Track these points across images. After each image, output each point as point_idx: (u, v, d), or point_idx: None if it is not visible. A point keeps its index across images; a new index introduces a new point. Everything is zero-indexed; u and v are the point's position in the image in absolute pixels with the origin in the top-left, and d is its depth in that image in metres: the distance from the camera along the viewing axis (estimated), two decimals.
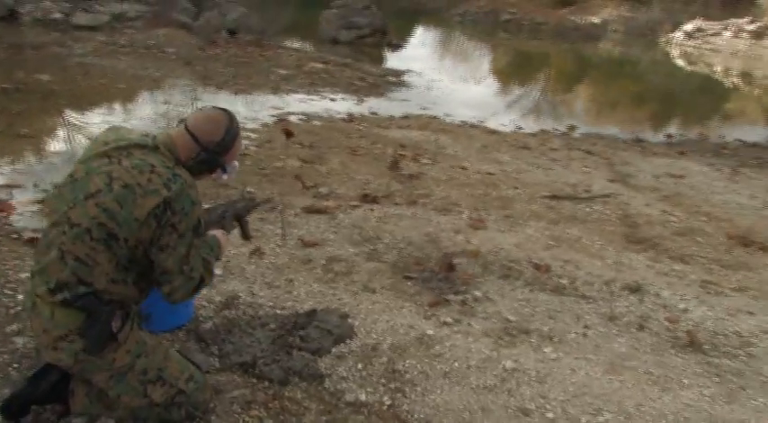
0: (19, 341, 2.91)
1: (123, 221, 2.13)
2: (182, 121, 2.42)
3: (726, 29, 35.63)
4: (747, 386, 3.18)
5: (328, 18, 18.48)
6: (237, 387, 2.73)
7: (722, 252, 5.17)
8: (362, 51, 17.68)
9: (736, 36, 35.04)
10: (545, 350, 3.30)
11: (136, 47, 12.27)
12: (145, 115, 7.69)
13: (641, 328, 3.66)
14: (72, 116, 7.34)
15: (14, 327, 3.01)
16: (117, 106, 8.09)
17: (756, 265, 4.99)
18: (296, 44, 16.96)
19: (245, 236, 2.88)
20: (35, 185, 5.17)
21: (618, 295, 4.03)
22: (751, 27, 34.79)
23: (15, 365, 2.72)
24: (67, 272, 2.15)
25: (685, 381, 3.15)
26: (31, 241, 4.05)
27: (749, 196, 7.13)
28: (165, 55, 11.90)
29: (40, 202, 4.81)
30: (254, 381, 2.79)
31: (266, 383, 2.78)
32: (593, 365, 3.19)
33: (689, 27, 36.96)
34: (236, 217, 2.76)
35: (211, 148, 2.36)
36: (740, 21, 35.42)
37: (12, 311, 3.17)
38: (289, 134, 6.46)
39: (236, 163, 2.55)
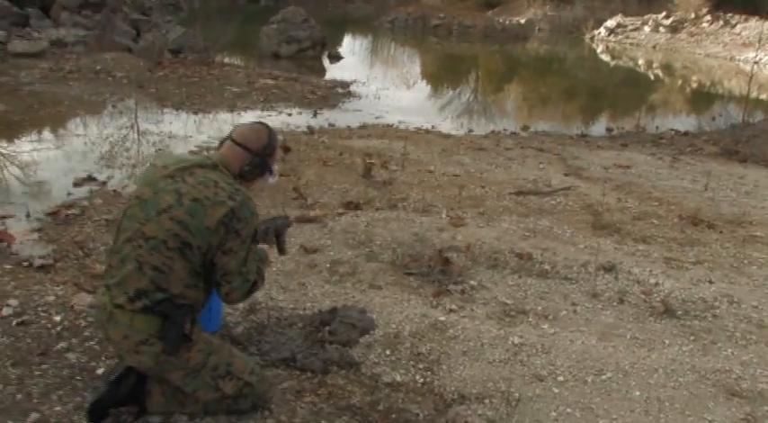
0: (72, 357, 3.14)
1: (196, 230, 2.44)
2: (225, 139, 2.76)
3: (645, 24, 37.29)
4: (717, 340, 3.72)
5: (269, 33, 18.73)
6: (285, 379, 3.04)
7: (677, 232, 5.72)
8: (304, 64, 18.00)
9: (654, 30, 36.71)
10: (543, 326, 3.73)
11: (84, 72, 12.26)
12: (116, 140, 7.83)
13: (621, 301, 4.14)
14: (46, 144, 7.45)
15: (63, 344, 3.23)
16: (83, 131, 8.18)
17: (707, 240, 5.55)
18: (239, 61, 17.14)
19: (282, 251, 3.18)
20: (27, 215, 5.31)
21: (595, 275, 4.50)
22: (667, 21, 36.53)
23: (78, 378, 2.96)
24: (146, 281, 2.44)
25: (666, 341, 3.64)
26: (43, 268, 4.25)
27: (691, 180, 7.78)
28: (115, 79, 11.95)
29: (38, 230, 4.98)
30: (298, 373, 3.11)
31: (309, 374, 3.10)
32: (587, 336, 3.63)
33: (611, 23, 38.51)
34: (276, 233, 3.08)
35: (261, 153, 2.71)
36: (658, 16, 37.14)
37: (54, 332, 3.38)
38: (287, 149, 6.80)
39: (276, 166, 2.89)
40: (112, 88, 11.10)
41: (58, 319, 3.49)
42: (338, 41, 25.35)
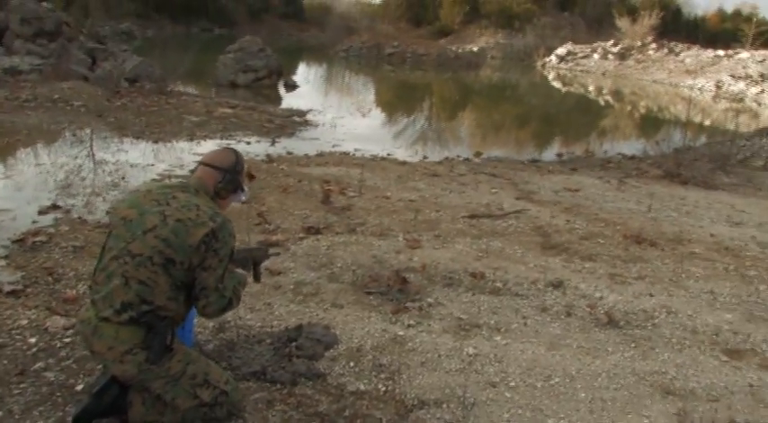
0: (50, 375, 3.28)
1: (179, 248, 2.65)
2: (197, 165, 3.03)
3: (594, 51, 38.59)
4: (655, 346, 4.06)
5: (225, 62, 18.95)
6: (256, 391, 3.24)
7: (621, 250, 6.08)
8: (261, 93, 18.27)
9: (603, 57, 37.99)
10: (496, 338, 3.99)
11: (41, 101, 12.29)
12: (77, 169, 7.92)
13: (568, 314, 4.44)
14: (7, 173, 7.51)
15: (40, 364, 3.37)
16: (45, 160, 8.24)
17: (649, 257, 5.92)
18: (196, 90, 17.30)
19: (257, 279, 3.41)
20: None
21: (544, 291, 4.81)
22: (616, 49, 37.86)
23: (58, 394, 3.11)
24: (131, 294, 2.64)
25: (610, 349, 3.94)
26: (13, 293, 4.36)
27: (636, 202, 8.22)
28: (74, 108, 12.01)
29: (5, 257, 5.07)
30: (268, 385, 3.30)
31: (278, 386, 3.30)
32: (536, 346, 3.91)
33: (561, 51, 39.77)
34: (254, 262, 3.30)
35: (231, 170, 2.99)
36: (606, 44, 38.49)
37: (29, 353, 3.52)
38: (251, 177, 6.99)
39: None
40: (71, 117, 11.16)
41: (33, 340, 3.62)
42: (293, 70, 25.70)
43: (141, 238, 2.67)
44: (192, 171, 3.07)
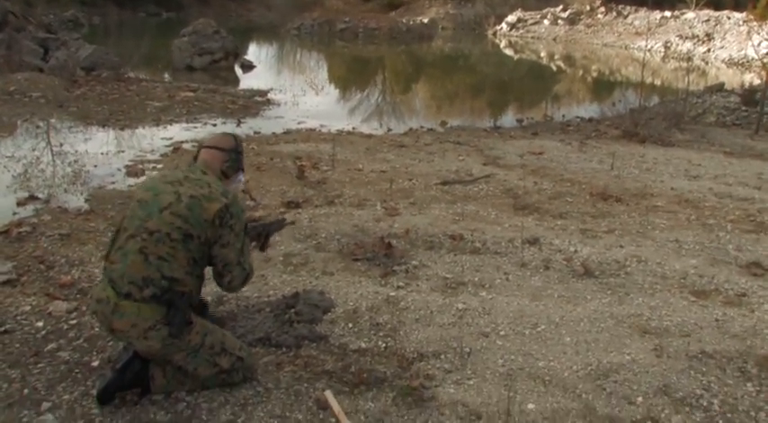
0: (64, 355, 3.42)
1: (195, 222, 2.82)
2: (199, 149, 3.18)
3: (544, 18, 38.95)
4: (630, 292, 4.37)
5: (180, 46, 18.75)
6: (264, 355, 3.42)
7: (589, 207, 6.39)
8: (218, 75, 18.16)
9: (554, 23, 38.40)
10: (482, 294, 4.24)
11: None
12: (46, 159, 7.91)
13: (547, 268, 4.71)
14: None
15: (52, 346, 3.50)
16: (12, 152, 8.19)
17: (616, 212, 6.24)
18: (154, 75, 17.12)
19: (263, 249, 3.56)
20: None
21: (522, 248, 5.07)
22: (565, 14, 38.26)
23: (76, 371, 3.26)
24: (152, 269, 2.80)
25: (588, 296, 4.23)
26: (9, 282, 4.44)
27: (598, 161, 8.56)
28: (32, 99, 11.84)
29: None
30: (274, 349, 3.49)
31: (284, 349, 3.48)
32: (520, 298, 4.17)
33: (511, 18, 40.03)
34: (266, 233, 3.48)
35: (234, 150, 3.20)
36: (555, 9, 38.85)
37: (39, 336, 3.64)
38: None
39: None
40: (31, 109, 11.02)
41: (40, 324, 3.74)
42: (245, 50, 25.47)
43: (158, 216, 2.82)
44: (195, 157, 3.21)
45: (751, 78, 21.87)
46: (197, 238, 2.84)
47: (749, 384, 3.27)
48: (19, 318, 3.85)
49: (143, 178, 6.95)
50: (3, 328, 3.68)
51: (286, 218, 3.77)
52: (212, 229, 2.85)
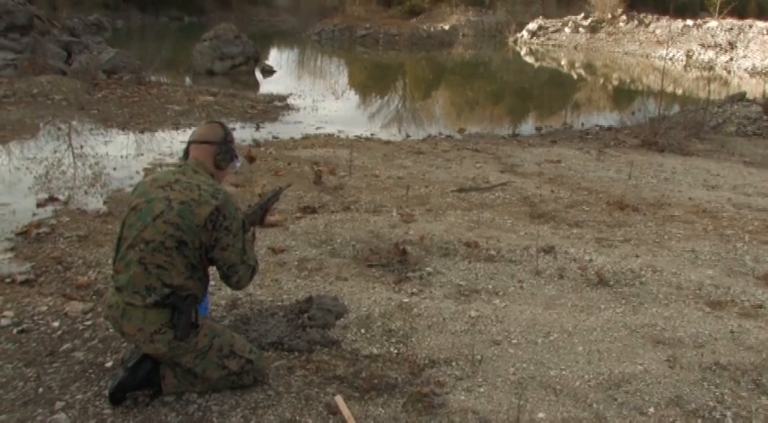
0: (79, 355, 3.46)
1: (187, 229, 2.84)
2: (187, 146, 3.18)
3: (565, 25, 38.82)
4: (644, 302, 4.35)
5: (201, 51, 18.91)
6: (276, 359, 3.44)
7: (605, 216, 6.36)
8: (239, 80, 18.29)
9: (574, 31, 38.26)
10: (495, 301, 4.23)
11: (20, 96, 12.26)
12: (68, 161, 8.01)
13: (561, 276, 4.70)
14: None
15: (68, 346, 3.55)
16: (34, 154, 8.30)
17: (632, 222, 6.20)
18: (174, 79, 17.28)
19: (261, 223, 3.51)
20: None
21: (537, 256, 5.05)
22: (586, 22, 38.11)
23: (90, 371, 3.30)
24: (153, 278, 2.82)
25: (602, 306, 4.21)
26: (27, 282, 4.51)
27: (616, 170, 8.51)
28: (54, 102, 12.00)
29: (11, 249, 5.20)
30: (286, 353, 3.51)
31: (296, 354, 3.50)
32: (534, 307, 4.16)
33: (532, 26, 39.95)
34: (264, 209, 3.47)
35: (224, 141, 3.16)
36: (577, 17, 38.73)
37: (55, 336, 3.69)
38: (252, 159, 7.16)
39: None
40: (53, 111, 11.17)
41: (56, 324, 3.79)
42: (266, 55, 25.64)
43: (152, 225, 2.84)
44: (185, 153, 3.20)
45: None
46: (191, 244, 2.85)
47: (764, 397, 3.24)
48: (36, 317, 3.90)
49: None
50: (20, 328, 3.74)
51: (281, 186, 3.75)
52: (205, 233, 2.87)
